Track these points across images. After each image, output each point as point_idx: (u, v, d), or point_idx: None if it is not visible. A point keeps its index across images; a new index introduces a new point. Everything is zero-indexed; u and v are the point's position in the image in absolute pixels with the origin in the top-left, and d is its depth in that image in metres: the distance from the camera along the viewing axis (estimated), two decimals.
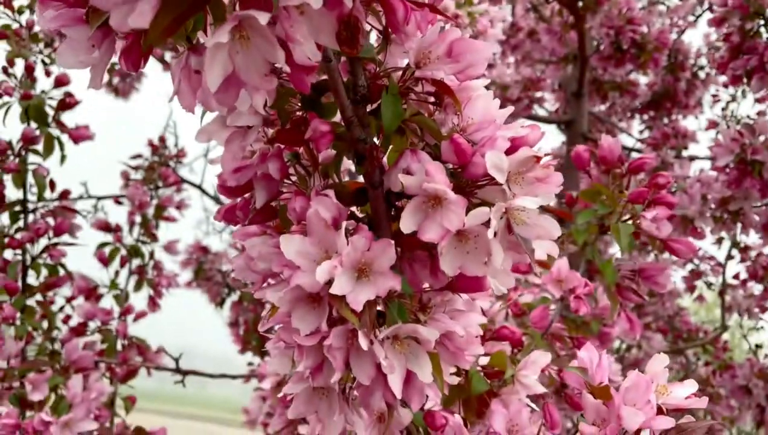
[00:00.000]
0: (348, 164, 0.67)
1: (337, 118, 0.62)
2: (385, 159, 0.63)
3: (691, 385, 0.63)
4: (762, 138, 1.93)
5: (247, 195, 0.64)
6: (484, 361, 0.83)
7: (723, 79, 3.61)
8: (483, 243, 0.55)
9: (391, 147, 0.63)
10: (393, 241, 0.54)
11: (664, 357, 0.63)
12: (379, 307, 0.60)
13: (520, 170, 0.57)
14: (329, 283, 0.54)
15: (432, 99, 0.61)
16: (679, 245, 1.00)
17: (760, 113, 2.29)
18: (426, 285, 0.63)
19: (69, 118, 1.49)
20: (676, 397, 0.61)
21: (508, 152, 0.57)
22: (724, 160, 1.95)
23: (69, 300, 1.50)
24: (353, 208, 0.65)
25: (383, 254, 0.53)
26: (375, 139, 0.61)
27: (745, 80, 1.89)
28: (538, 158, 0.57)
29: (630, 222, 1.00)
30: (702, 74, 3.62)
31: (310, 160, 0.64)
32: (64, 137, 1.38)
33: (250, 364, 2.80)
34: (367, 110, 0.60)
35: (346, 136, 0.59)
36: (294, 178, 0.64)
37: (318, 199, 0.56)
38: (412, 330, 0.55)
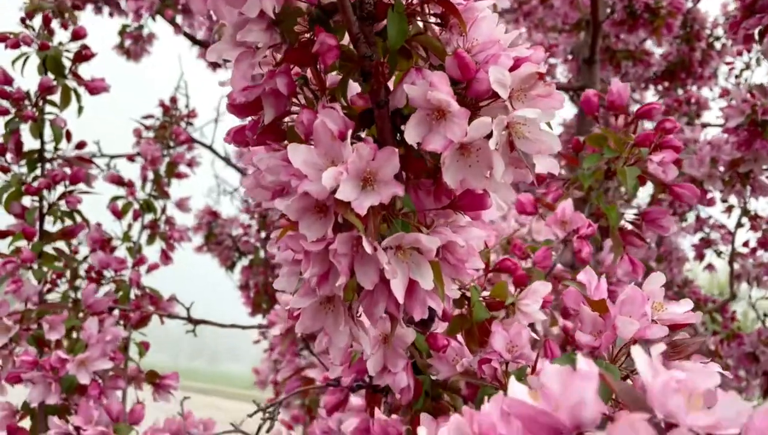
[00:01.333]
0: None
1: (345, 41, 0.64)
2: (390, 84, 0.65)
3: (686, 303, 0.64)
4: None
5: (256, 116, 0.66)
6: (486, 293, 0.85)
7: (739, 47, 3.58)
8: (485, 156, 0.56)
9: (397, 72, 0.65)
10: (397, 150, 0.55)
11: (661, 276, 0.65)
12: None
13: (522, 87, 0.58)
14: (335, 192, 0.56)
15: (437, 21, 0.63)
16: (683, 190, 1.01)
17: None
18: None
19: (85, 71, 1.51)
20: (672, 312, 0.62)
21: (511, 70, 0.58)
22: (735, 121, 1.94)
23: (92, 250, 1.53)
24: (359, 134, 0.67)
25: (387, 163, 0.55)
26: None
27: (757, 40, 1.88)
28: (541, 75, 0.58)
29: (636, 166, 1.01)
30: (718, 45, 3.58)
31: (318, 84, 0.65)
32: (81, 89, 1.41)
33: (260, 325, 2.85)
34: (374, 31, 0.61)
35: (353, 55, 0.61)
36: (302, 101, 0.66)
37: (325, 111, 0.57)
38: (414, 239, 0.57)
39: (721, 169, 2.14)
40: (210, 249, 2.84)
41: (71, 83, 1.45)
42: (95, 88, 1.47)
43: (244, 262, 2.93)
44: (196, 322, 1.55)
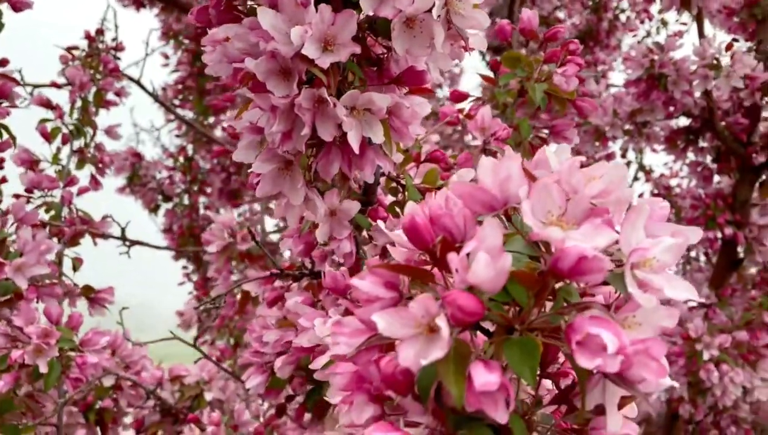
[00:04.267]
0: None
1: None
2: None
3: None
4: (669, 55, 2.13)
5: None
6: (418, 180, 0.95)
7: (641, 17, 3.83)
8: (427, 27, 0.66)
9: None
10: (355, 13, 0.64)
11: (568, 148, 0.77)
12: None
13: None
14: (299, 55, 0.64)
15: None
16: (584, 103, 1.15)
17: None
18: None
19: None
20: None
21: None
22: (636, 74, 2.14)
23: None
24: None
25: (346, 25, 0.64)
26: None
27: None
28: None
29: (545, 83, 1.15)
30: (623, 17, 3.84)
31: None
32: (4, 6, 1.38)
33: (184, 267, 2.87)
34: None
35: None
36: None
37: None
38: (367, 99, 0.67)
39: (622, 120, 2.35)
40: (133, 191, 2.82)
41: None
42: (18, 2, 1.44)
43: (169, 205, 2.93)
44: (132, 243, 1.59)
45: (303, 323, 0.77)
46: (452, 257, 0.43)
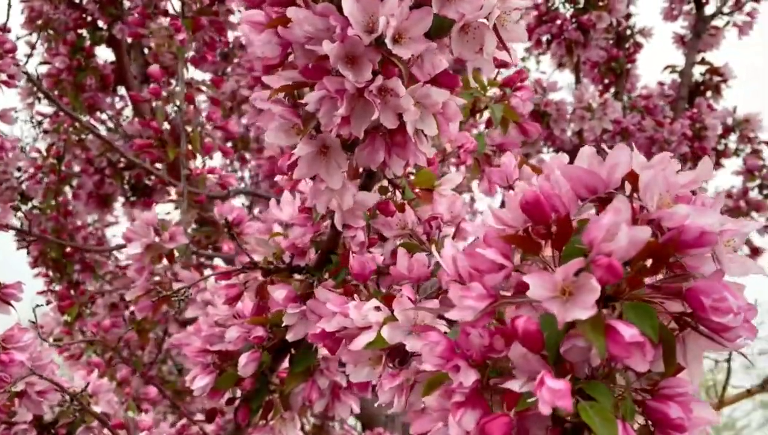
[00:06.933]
0: None
1: None
2: None
3: None
4: (551, 96, 2.38)
5: None
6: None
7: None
8: (480, 34, 0.72)
9: None
10: (431, 10, 0.68)
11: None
12: None
13: None
14: (370, 44, 0.67)
15: None
16: (530, 127, 1.28)
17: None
18: None
19: None
20: None
21: None
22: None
23: None
24: None
25: (420, 22, 0.68)
26: None
27: (545, 44, 2.31)
28: None
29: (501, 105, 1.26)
30: None
31: None
32: None
33: (46, 275, 2.61)
34: None
35: None
36: None
37: None
38: (425, 93, 0.71)
39: None
40: None
41: None
42: None
43: (27, 206, 2.65)
44: (35, 238, 1.45)
45: (331, 308, 0.78)
46: (596, 225, 0.49)
